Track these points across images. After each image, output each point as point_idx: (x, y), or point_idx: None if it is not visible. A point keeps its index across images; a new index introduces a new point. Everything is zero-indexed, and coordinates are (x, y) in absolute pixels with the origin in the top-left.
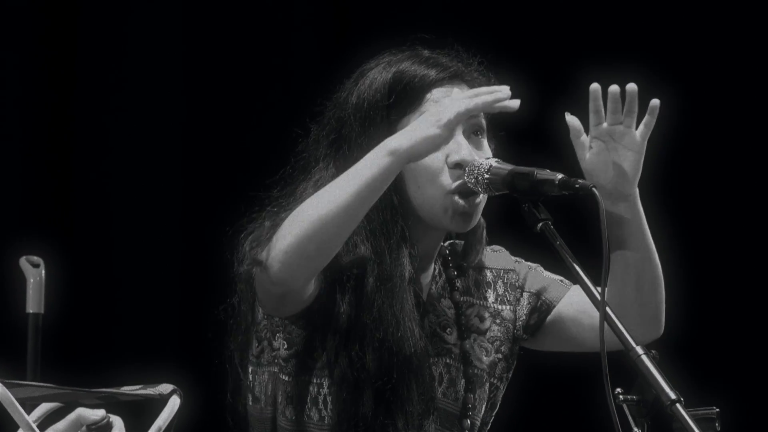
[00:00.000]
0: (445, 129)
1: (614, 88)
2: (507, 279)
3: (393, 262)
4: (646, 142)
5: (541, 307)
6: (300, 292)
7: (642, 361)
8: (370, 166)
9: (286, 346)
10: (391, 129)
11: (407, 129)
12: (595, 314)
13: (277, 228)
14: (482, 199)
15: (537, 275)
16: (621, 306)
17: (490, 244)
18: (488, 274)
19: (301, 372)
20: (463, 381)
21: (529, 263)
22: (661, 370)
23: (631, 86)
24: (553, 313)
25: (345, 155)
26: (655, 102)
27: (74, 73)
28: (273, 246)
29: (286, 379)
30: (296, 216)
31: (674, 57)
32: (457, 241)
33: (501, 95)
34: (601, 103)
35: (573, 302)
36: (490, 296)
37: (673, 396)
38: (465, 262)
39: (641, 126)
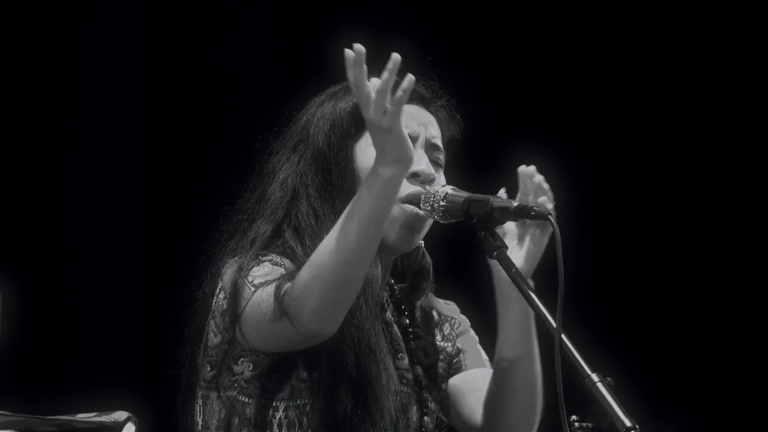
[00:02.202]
0: (382, 119)
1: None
2: (452, 323)
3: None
4: (543, 247)
5: (455, 364)
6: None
7: (597, 389)
8: (363, 196)
9: (251, 368)
10: (357, 134)
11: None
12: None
13: (280, 269)
14: (429, 220)
15: (471, 339)
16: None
17: (443, 295)
18: (436, 315)
19: (261, 394)
20: (416, 407)
21: (470, 327)
22: (617, 397)
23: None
24: (459, 375)
25: (312, 154)
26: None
27: (31, 97)
28: (301, 305)
29: (246, 400)
30: (316, 270)
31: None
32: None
33: (391, 65)
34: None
35: (476, 378)
36: (438, 334)
37: (628, 423)
38: (411, 299)
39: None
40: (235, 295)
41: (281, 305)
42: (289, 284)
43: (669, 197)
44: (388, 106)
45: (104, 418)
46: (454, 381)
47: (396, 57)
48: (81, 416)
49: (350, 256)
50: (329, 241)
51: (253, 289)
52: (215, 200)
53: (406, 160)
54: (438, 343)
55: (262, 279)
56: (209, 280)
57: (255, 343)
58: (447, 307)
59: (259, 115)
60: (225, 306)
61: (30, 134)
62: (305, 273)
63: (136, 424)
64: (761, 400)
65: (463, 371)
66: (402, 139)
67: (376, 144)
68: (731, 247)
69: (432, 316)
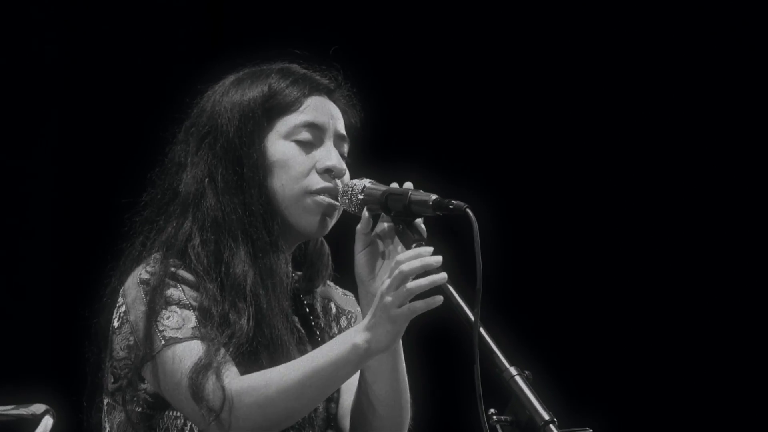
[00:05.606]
0: (396, 310)
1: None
2: (349, 317)
3: (274, 259)
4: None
5: None
6: None
7: (516, 382)
8: (335, 360)
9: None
10: (269, 126)
11: (369, 326)
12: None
13: (190, 315)
14: (340, 210)
15: None
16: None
17: (342, 284)
18: (334, 308)
19: (168, 405)
20: None
21: None
22: (535, 390)
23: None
24: None
25: (223, 147)
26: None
27: None
28: (233, 421)
29: (150, 412)
30: (262, 401)
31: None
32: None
33: (430, 262)
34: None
35: (355, 381)
36: (335, 328)
37: (546, 417)
38: (309, 288)
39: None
40: (146, 340)
41: (206, 398)
42: (211, 380)
43: (584, 186)
44: (408, 304)
45: (22, 410)
46: None
47: (443, 275)
48: None
49: (301, 408)
50: (282, 380)
51: (163, 342)
52: (132, 191)
53: (390, 348)
54: (334, 335)
55: (173, 333)
56: (116, 277)
57: (160, 393)
58: (345, 299)
59: (174, 101)
60: (131, 341)
61: None
62: (249, 395)
63: (54, 417)
64: (678, 389)
65: None
66: (398, 334)
67: (374, 319)
68: (649, 237)
69: (330, 308)
